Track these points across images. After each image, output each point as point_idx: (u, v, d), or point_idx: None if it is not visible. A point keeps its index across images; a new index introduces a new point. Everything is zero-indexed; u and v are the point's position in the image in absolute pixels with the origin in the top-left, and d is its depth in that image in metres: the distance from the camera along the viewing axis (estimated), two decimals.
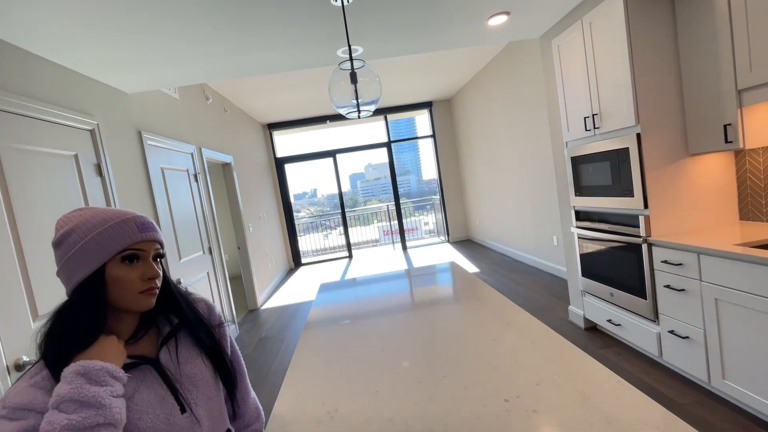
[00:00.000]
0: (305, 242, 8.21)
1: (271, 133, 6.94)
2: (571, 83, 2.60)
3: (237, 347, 0.86)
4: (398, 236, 7.54)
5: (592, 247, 2.65)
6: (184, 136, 3.50)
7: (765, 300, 1.55)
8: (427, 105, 7.13)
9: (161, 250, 0.71)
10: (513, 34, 2.76)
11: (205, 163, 3.85)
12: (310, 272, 6.61)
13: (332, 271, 6.38)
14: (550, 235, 4.36)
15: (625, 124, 2.18)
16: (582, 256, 2.78)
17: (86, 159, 2.18)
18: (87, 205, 2.12)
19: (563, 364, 0.96)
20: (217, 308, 0.84)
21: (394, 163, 7.30)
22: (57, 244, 0.65)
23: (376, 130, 7.44)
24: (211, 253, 3.65)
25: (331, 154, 7.11)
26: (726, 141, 1.87)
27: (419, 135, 7.66)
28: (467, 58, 4.92)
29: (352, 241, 7.60)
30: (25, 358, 1.56)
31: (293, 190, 7.46)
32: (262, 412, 0.91)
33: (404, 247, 7.41)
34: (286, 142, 7.33)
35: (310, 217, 9.43)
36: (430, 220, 9.19)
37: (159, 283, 0.70)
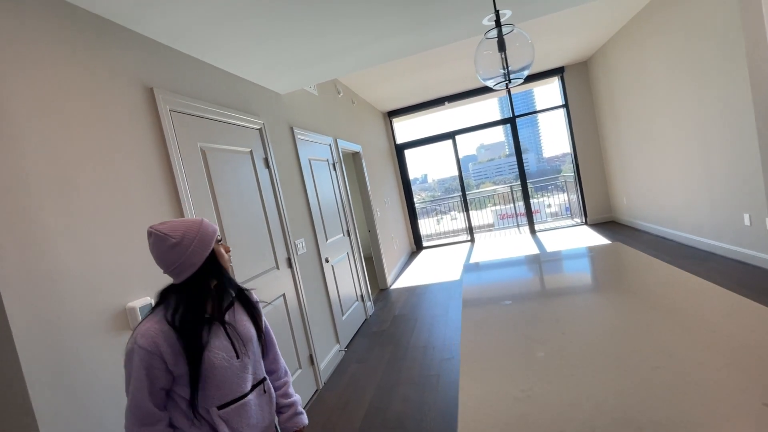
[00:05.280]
0: (422, 227, 8.31)
1: (391, 121, 7.16)
2: None
3: (269, 324, 1.17)
4: (523, 219, 7.04)
5: None
6: (322, 129, 3.84)
7: None
8: (557, 71, 6.37)
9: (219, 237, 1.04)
10: None
11: (341, 153, 4.17)
12: (432, 255, 6.69)
13: (455, 255, 6.32)
14: (738, 211, 3.47)
15: None
16: None
17: (258, 154, 2.56)
18: (258, 194, 2.51)
19: None
20: (255, 294, 1.14)
21: (518, 140, 6.79)
22: (175, 245, 0.90)
23: (488, 109, 7.03)
24: (349, 235, 3.97)
25: (450, 135, 6.97)
26: None
27: (538, 108, 6.91)
28: (610, 10, 4.19)
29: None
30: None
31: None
32: (289, 372, 1.20)
33: (532, 231, 6.87)
34: (404, 128, 7.48)
35: (422, 202, 9.47)
36: (553, 201, 8.31)
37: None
